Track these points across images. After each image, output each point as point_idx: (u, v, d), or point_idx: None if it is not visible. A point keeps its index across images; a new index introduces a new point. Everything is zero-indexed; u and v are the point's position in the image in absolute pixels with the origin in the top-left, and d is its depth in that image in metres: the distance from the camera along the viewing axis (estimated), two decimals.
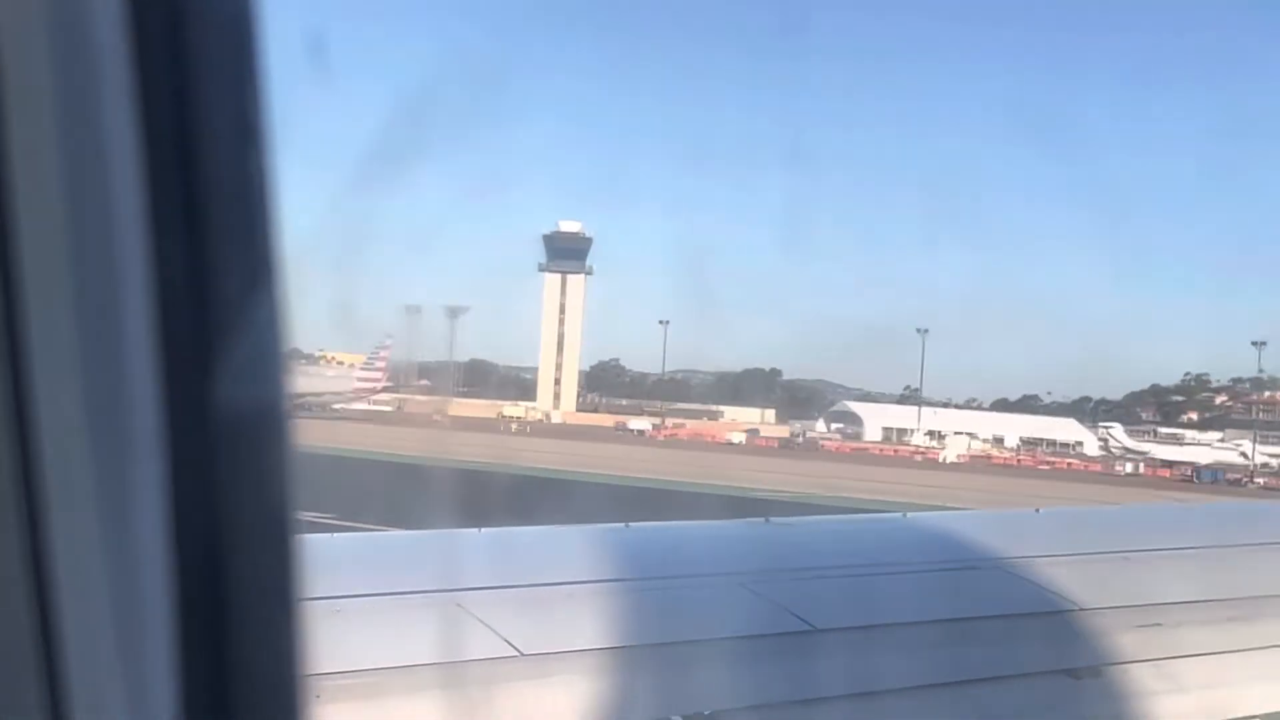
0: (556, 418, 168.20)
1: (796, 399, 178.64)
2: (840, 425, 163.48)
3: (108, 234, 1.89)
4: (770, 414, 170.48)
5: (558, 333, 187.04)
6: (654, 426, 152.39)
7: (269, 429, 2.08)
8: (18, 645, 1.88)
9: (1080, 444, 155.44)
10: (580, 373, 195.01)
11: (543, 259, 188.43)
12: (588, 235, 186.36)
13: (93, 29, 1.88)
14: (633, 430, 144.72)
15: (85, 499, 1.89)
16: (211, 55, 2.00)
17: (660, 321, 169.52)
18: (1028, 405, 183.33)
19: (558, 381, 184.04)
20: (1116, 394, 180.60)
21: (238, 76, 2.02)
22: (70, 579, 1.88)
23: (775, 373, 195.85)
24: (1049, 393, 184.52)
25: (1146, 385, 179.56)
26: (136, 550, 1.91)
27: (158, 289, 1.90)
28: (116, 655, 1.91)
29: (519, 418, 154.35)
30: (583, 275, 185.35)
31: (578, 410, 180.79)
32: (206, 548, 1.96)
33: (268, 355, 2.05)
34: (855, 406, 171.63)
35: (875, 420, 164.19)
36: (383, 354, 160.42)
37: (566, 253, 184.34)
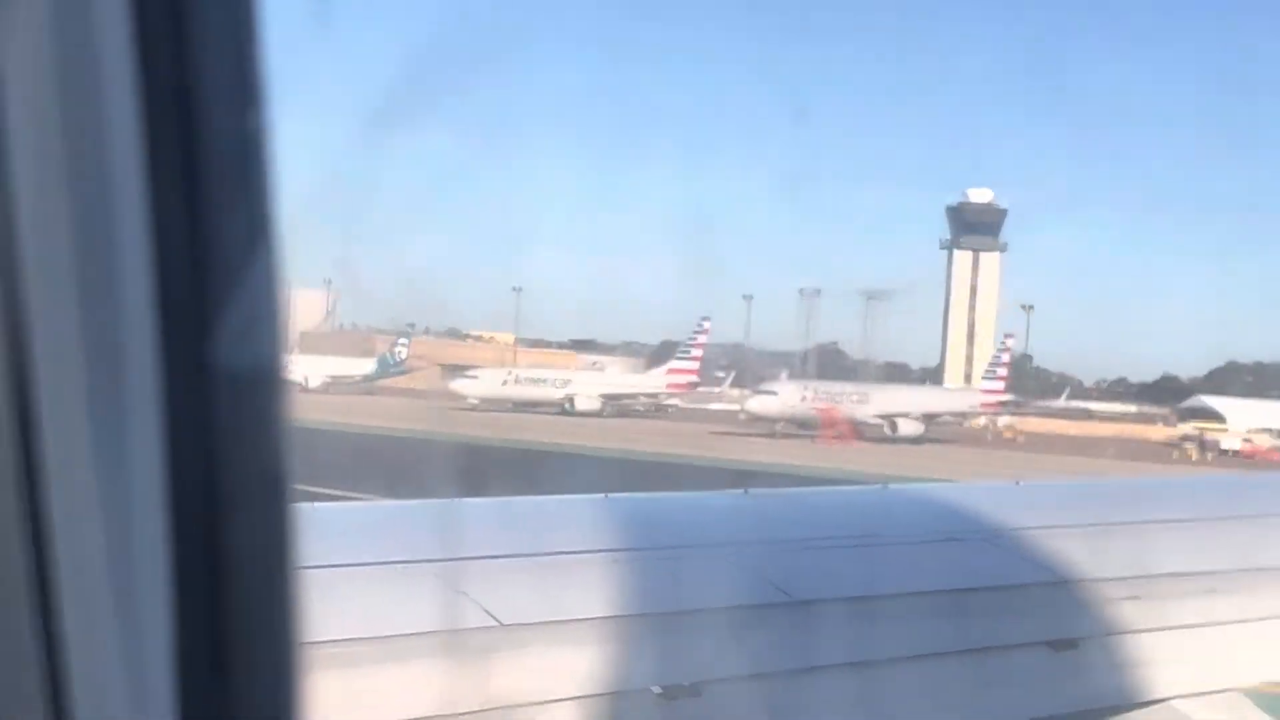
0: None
1: None
2: None
3: (106, 194, 1.90)
4: None
5: (967, 320, 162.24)
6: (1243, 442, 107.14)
7: (265, 391, 2.09)
8: (14, 600, 1.91)
9: None
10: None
11: (947, 234, 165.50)
12: (1001, 206, 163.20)
13: None
14: (1222, 449, 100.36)
15: (82, 460, 1.91)
16: (210, 12, 2.01)
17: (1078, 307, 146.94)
18: None
19: (967, 379, 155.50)
20: None
21: (237, 33, 2.03)
22: (67, 540, 1.90)
23: None
24: None
25: None
26: (132, 512, 1.93)
27: (156, 250, 1.92)
28: (113, 616, 1.94)
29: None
30: (996, 253, 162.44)
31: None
32: (203, 510, 1.98)
33: (265, 318, 2.07)
34: None
35: None
36: (699, 339, 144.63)
37: (976, 227, 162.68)
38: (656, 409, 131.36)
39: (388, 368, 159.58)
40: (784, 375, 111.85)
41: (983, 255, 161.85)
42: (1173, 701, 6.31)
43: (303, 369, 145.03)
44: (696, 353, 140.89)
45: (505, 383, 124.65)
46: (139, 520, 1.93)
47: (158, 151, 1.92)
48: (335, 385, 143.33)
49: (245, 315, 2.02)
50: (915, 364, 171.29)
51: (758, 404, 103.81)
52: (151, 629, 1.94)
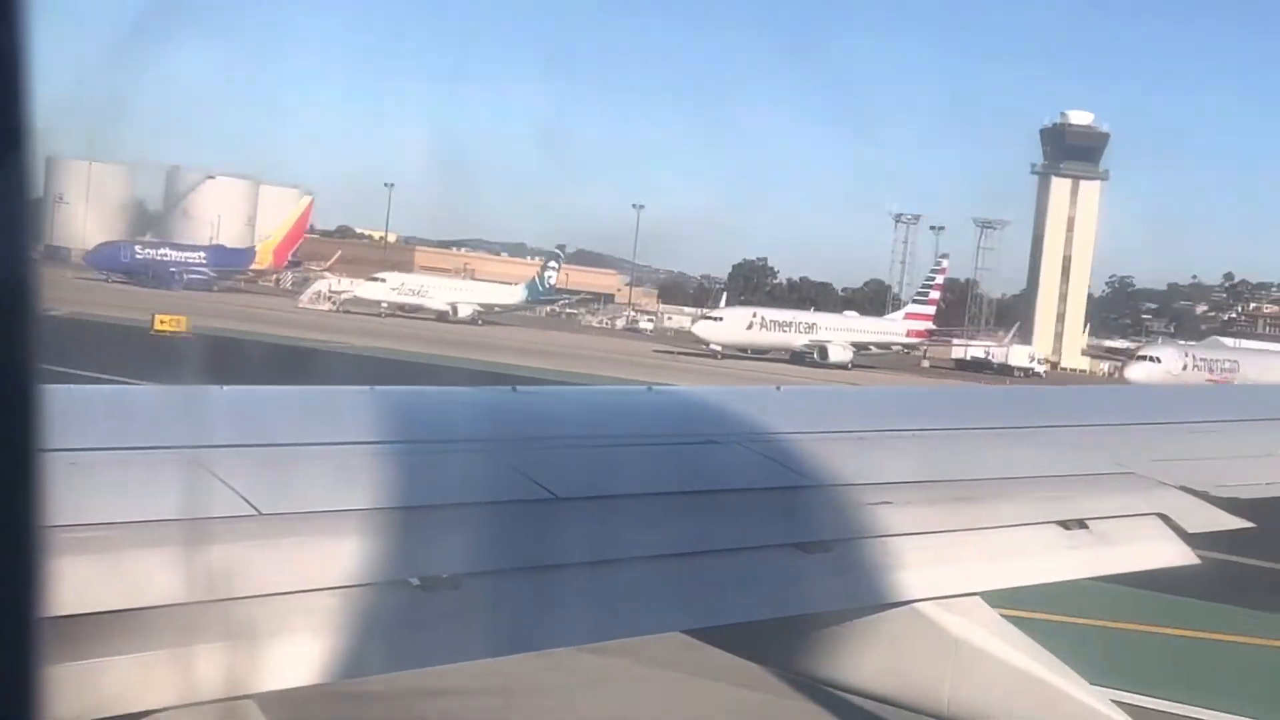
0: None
1: None
2: None
3: None
4: None
5: (1063, 254, 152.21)
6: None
7: (13, 287, 2.11)
8: None
9: None
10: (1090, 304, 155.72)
11: (1039, 160, 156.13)
12: (1103, 130, 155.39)
13: None
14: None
15: None
16: None
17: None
18: None
19: (1060, 318, 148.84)
20: None
21: None
22: None
23: None
24: None
25: None
26: None
27: None
28: None
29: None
30: (1097, 181, 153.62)
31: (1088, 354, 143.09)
32: None
33: (13, 223, 2.09)
34: None
35: None
36: (938, 280, 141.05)
37: (1075, 151, 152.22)
38: (901, 359, 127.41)
39: (538, 295, 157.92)
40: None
41: (1082, 184, 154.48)
42: (917, 605, 6.48)
43: (441, 295, 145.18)
44: (934, 295, 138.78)
45: (750, 327, 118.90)
46: None
47: None
48: (489, 315, 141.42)
49: None
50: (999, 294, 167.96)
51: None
52: None
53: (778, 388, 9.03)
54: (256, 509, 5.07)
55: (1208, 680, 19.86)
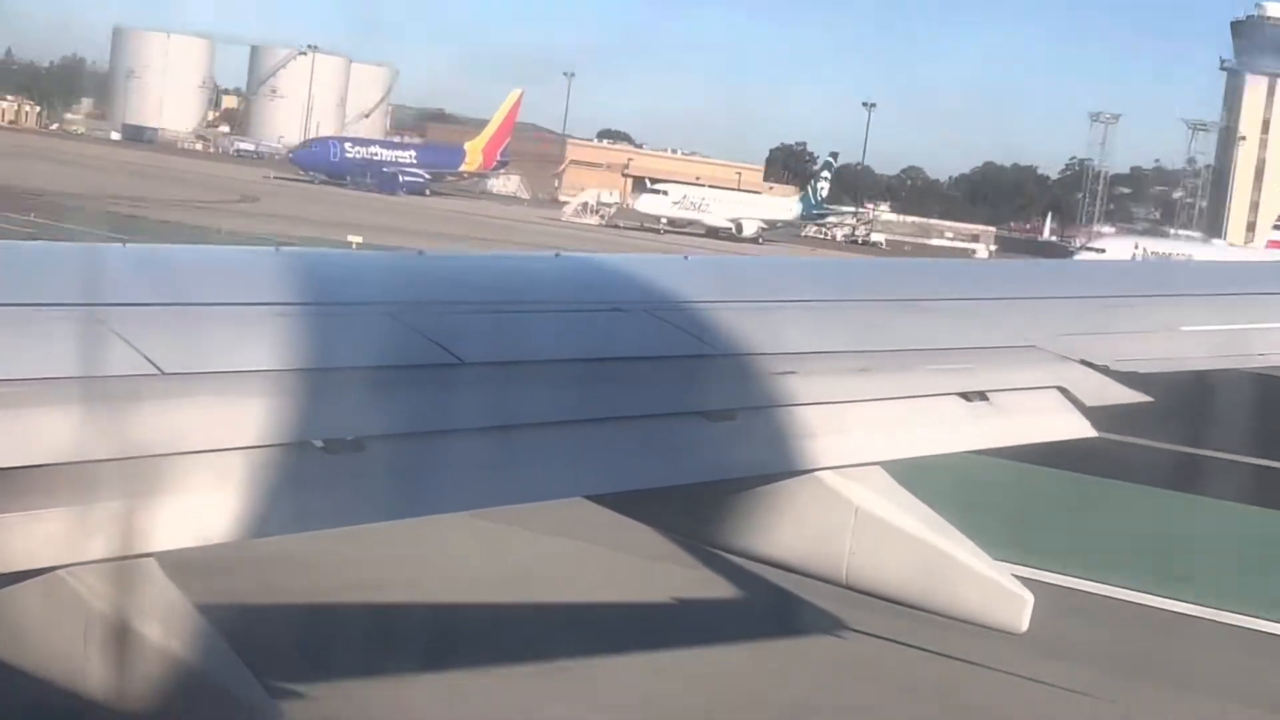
0: None
1: None
2: None
3: None
4: None
5: (1257, 157, 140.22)
6: None
7: None
8: None
9: None
10: None
11: (1230, 55, 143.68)
12: None
13: None
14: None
15: None
16: None
17: None
18: None
19: (1250, 228, 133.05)
20: None
21: None
22: None
23: None
24: None
25: None
26: None
27: None
28: None
29: None
30: None
31: None
32: None
33: None
34: None
35: None
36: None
37: (1272, 47, 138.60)
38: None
39: (810, 210, 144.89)
40: None
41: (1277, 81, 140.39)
42: (818, 473, 6.62)
43: (722, 210, 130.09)
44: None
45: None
46: None
47: None
48: (770, 233, 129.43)
49: None
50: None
51: None
52: None
53: (685, 256, 9.10)
54: (159, 368, 5.06)
55: (1109, 557, 20.39)
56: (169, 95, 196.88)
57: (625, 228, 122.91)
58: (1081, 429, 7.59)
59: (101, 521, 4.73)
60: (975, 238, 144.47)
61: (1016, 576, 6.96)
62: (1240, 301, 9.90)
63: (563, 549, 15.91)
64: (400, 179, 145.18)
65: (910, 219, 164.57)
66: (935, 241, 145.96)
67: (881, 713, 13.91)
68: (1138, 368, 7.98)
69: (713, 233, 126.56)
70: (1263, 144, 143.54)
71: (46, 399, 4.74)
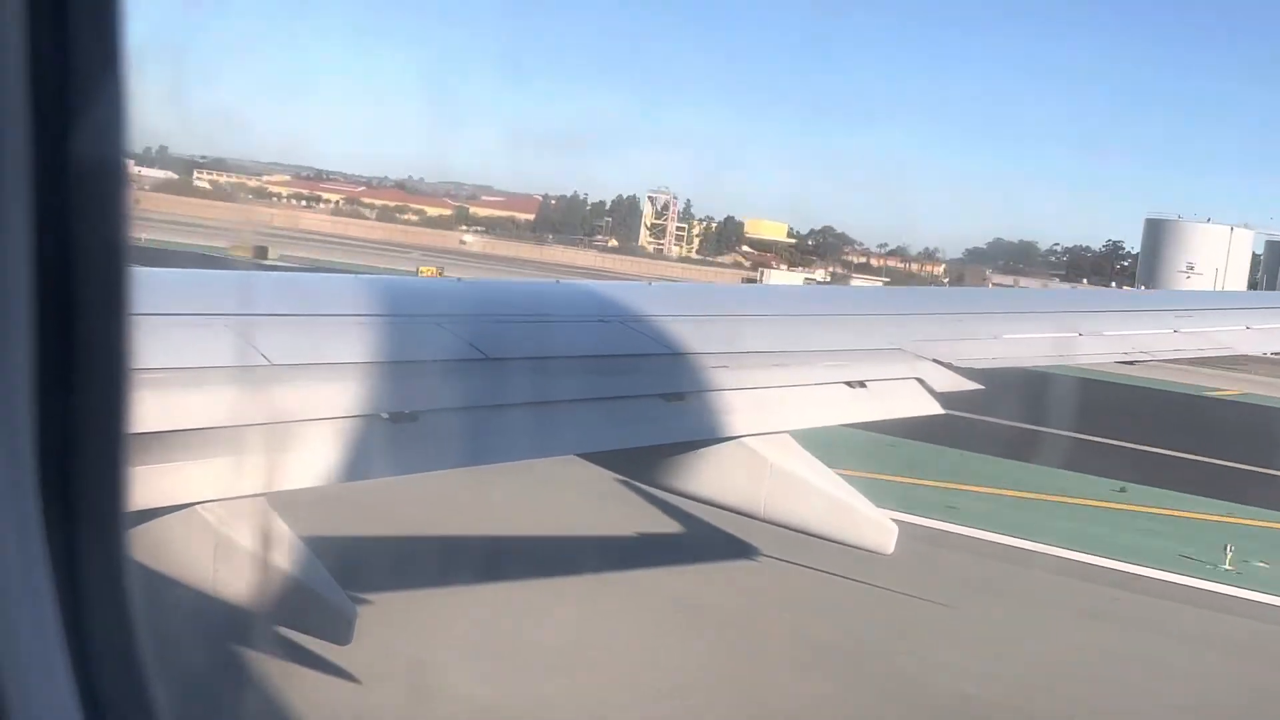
0: None
1: None
2: None
3: None
4: None
5: None
6: None
7: (113, 181, 2.07)
8: None
9: None
10: None
11: None
12: None
13: None
14: None
15: None
16: None
17: None
18: None
19: None
20: None
21: None
22: None
23: None
24: None
25: None
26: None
27: (30, 63, 1.86)
28: None
29: None
30: None
31: None
32: (59, 272, 1.95)
33: (115, 123, 2.03)
34: None
35: None
36: None
37: None
38: None
39: None
40: None
41: None
42: (743, 439, 6.73)
43: None
44: None
45: None
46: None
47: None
48: None
49: (99, 120, 2.00)
50: None
51: None
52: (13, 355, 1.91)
53: (649, 283, 9.20)
54: (269, 360, 5.15)
55: (959, 509, 20.55)
56: None
57: None
58: (934, 408, 7.74)
59: (225, 470, 4.81)
60: None
61: (895, 520, 7.13)
62: (1050, 319, 10.07)
63: (555, 490, 15.93)
64: None
65: None
66: None
67: (782, 615, 14.00)
68: (974, 364, 8.12)
69: None
70: None
71: (188, 382, 4.82)
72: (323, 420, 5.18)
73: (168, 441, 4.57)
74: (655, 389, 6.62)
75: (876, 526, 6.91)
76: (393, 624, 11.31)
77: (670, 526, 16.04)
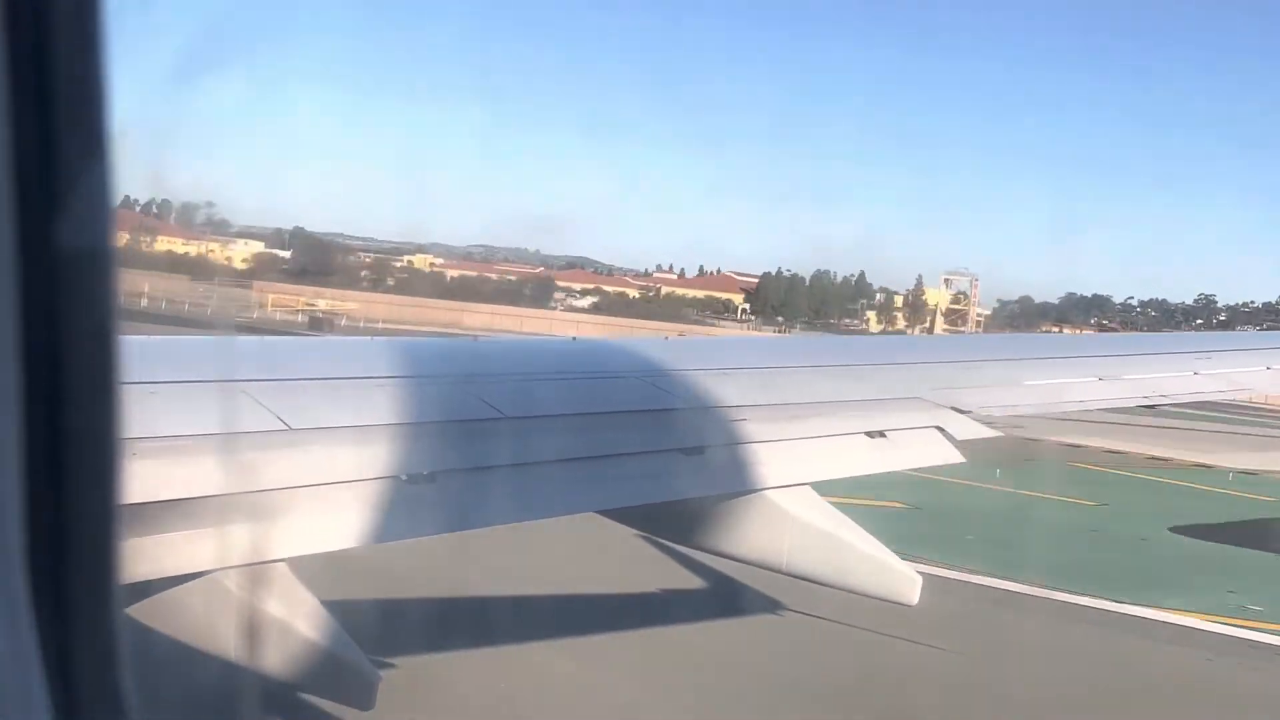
0: None
1: None
2: None
3: None
4: None
5: None
6: None
7: (99, 267, 2.05)
8: None
9: None
10: None
11: None
12: None
13: None
14: None
15: None
16: None
17: None
18: None
19: None
20: None
21: None
22: None
23: None
24: None
25: None
26: None
27: (12, 147, 1.85)
28: None
29: None
30: None
31: None
32: (47, 348, 1.93)
33: (100, 208, 2.01)
34: None
35: None
36: None
37: None
38: None
39: None
40: None
41: None
42: (764, 491, 6.64)
43: None
44: None
45: None
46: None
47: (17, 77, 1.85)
48: None
49: (85, 204, 1.98)
50: None
51: None
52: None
53: (666, 338, 9.17)
54: (287, 425, 5.13)
55: (998, 552, 20.34)
56: None
57: None
58: (955, 457, 7.63)
59: (245, 537, 4.77)
60: None
61: (924, 575, 7.01)
62: (1067, 364, 9.99)
63: (576, 546, 15.81)
64: None
65: None
66: None
67: (806, 667, 13.83)
68: (992, 412, 8.03)
69: None
70: None
71: (205, 449, 4.78)
72: (341, 484, 5.12)
73: (185, 510, 4.52)
74: (674, 443, 6.54)
75: (900, 577, 6.81)
76: (415, 688, 11.18)
77: (693, 582, 15.88)
